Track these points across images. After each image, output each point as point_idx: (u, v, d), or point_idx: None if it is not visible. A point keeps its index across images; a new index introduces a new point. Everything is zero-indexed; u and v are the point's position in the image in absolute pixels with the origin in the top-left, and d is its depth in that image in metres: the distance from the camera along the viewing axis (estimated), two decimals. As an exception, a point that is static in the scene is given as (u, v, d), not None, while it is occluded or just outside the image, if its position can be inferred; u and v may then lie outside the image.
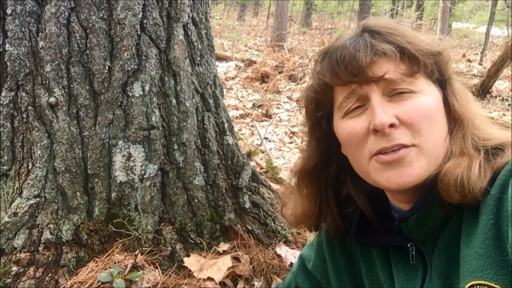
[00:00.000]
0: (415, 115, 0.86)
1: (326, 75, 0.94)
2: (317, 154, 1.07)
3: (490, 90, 7.65)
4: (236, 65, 9.49)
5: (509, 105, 7.31)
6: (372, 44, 0.89)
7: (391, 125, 0.85)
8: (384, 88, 0.89)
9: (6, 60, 1.65)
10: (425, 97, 0.89)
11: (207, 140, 1.91)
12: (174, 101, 1.80)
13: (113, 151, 1.72)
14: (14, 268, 1.59)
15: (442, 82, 0.95)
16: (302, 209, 1.12)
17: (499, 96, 7.72)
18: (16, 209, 1.65)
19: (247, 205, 1.99)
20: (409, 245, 0.95)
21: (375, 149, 0.87)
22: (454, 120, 0.92)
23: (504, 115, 6.34)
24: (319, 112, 1.02)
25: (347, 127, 0.93)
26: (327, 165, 1.07)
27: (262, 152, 3.91)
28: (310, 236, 1.97)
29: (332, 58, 0.93)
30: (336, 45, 0.94)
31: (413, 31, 0.94)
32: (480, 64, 11.01)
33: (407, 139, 0.85)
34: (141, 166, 1.75)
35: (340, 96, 0.94)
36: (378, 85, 0.88)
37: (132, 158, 1.74)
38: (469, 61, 11.67)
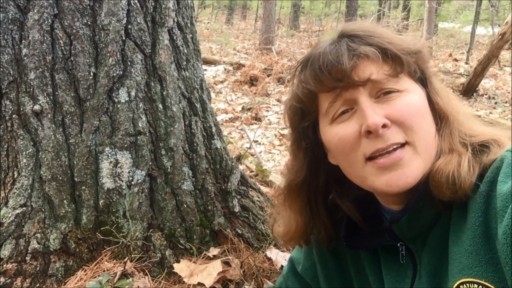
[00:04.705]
0: (406, 113, 0.86)
1: (310, 83, 0.92)
2: (305, 165, 1.05)
3: (477, 88, 7.74)
4: (225, 69, 9.48)
5: (495, 103, 7.38)
6: (353, 48, 0.89)
7: (384, 126, 0.84)
8: (371, 90, 0.88)
9: (-11, 68, 1.63)
10: (412, 95, 0.89)
11: (194, 144, 1.90)
12: (160, 106, 1.79)
13: (100, 158, 1.71)
14: (1, 279, 1.57)
15: (424, 81, 0.95)
16: (295, 224, 1.10)
17: (486, 95, 7.81)
18: (2, 219, 1.63)
19: (237, 209, 1.99)
20: (398, 244, 0.94)
21: (370, 151, 0.86)
22: (440, 117, 0.92)
23: (490, 113, 6.41)
24: (305, 121, 1.00)
25: (337, 132, 0.92)
26: (316, 175, 1.05)
27: (252, 155, 3.90)
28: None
29: (315, 65, 0.92)
30: (317, 53, 0.93)
31: (391, 32, 0.95)
32: (466, 63, 11.15)
33: (400, 137, 0.85)
34: (129, 172, 1.74)
35: (325, 102, 0.93)
36: (365, 88, 0.88)
37: (119, 165, 1.72)
38: (456, 60, 11.81)
